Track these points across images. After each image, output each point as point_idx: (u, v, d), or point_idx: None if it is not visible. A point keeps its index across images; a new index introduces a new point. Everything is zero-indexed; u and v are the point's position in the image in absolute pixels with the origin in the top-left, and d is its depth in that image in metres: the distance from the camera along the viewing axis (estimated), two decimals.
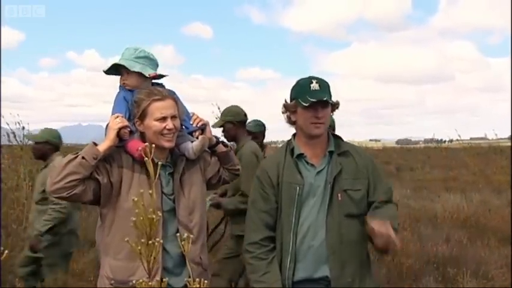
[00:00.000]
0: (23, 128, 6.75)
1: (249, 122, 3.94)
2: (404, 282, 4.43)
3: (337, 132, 2.19)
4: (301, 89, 1.95)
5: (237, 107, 3.69)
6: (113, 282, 1.87)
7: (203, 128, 2.04)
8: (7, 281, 4.20)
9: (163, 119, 1.88)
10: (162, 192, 1.92)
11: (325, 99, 1.89)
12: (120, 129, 1.83)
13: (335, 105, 1.98)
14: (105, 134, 1.88)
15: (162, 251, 1.85)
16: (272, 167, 2.01)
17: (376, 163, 2.07)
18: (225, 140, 2.93)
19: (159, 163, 1.23)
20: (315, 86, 1.91)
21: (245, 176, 2.86)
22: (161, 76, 2.05)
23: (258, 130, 4.17)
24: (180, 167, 1.98)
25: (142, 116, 1.89)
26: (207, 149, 2.08)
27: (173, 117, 1.90)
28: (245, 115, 3.65)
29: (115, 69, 2.03)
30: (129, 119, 1.92)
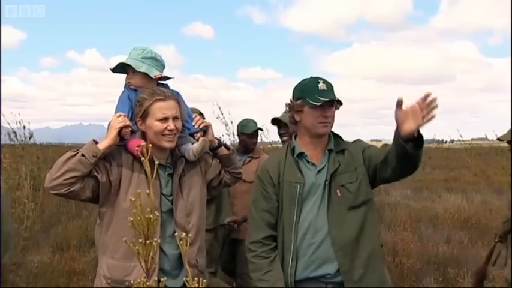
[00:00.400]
0: (24, 127, 6.77)
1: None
2: (405, 283, 4.42)
3: (338, 132, 2.20)
4: (308, 89, 1.95)
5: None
6: (109, 281, 1.87)
7: (205, 130, 2.03)
8: (8, 280, 4.20)
9: (165, 119, 1.88)
10: (161, 193, 1.92)
11: (336, 99, 1.92)
12: (121, 128, 1.83)
13: (338, 105, 1.99)
14: (107, 133, 1.88)
15: (159, 251, 1.85)
16: (273, 166, 2.02)
17: (366, 143, 2.07)
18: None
19: (157, 163, 1.23)
20: (322, 86, 1.94)
21: None
22: (167, 78, 2.05)
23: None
24: (180, 168, 1.98)
25: (144, 116, 1.89)
26: (209, 151, 2.08)
27: (175, 118, 1.90)
28: None
29: (121, 68, 2.03)
30: (131, 119, 1.92)
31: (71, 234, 5.71)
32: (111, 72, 2.06)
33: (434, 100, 1.64)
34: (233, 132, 7.46)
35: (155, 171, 1.03)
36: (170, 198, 1.94)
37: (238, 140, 3.65)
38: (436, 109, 1.64)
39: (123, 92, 2.02)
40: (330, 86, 1.95)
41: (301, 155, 2.00)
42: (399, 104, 1.69)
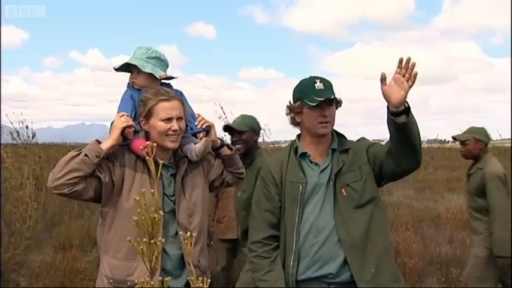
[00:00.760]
0: (27, 126, 6.79)
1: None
2: (407, 283, 4.41)
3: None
4: (306, 89, 1.94)
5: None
6: (111, 281, 1.87)
7: (208, 130, 2.03)
8: (11, 280, 4.21)
9: (169, 119, 1.88)
10: (164, 193, 1.92)
11: (332, 97, 1.90)
12: (124, 128, 1.83)
13: (338, 103, 1.98)
14: (110, 132, 1.88)
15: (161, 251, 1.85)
16: (275, 166, 2.02)
17: (370, 141, 2.07)
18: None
19: (161, 162, 1.23)
20: (319, 85, 1.92)
21: None
22: (171, 78, 2.05)
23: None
24: (182, 168, 1.97)
25: (148, 115, 1.89)
26: (211, 151, 2.07)
27: (179, 118, 1.90)
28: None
29: (125, 67, 2.03)
30: (134, 118, 1.92)
31: (74, 233, 5.73)
32: (114, 72, 2.06)
33: (408, 60, 1.68)
34: None
35: (159, 171, 1.03)
36: (172, 199, 1.93)
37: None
38: (415, 67, 1.69)
39: (126, 91, 2.02)
40: (327, 85, 1.93)
41: (304, 155, 2.00)
42: (383, 79, 1.73)
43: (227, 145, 2.13)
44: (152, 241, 0.86)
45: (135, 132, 1.89)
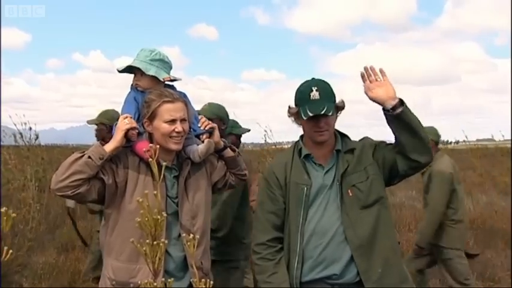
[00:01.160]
0: (30, 128, 6.80)
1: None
2: None
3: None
4: (302, 97, 1.93)
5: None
6: (114, 283, 1.87)
7: (211, 132, 2.03)
8: (14, 281, 4.22)
9: (173, 121, 1.88)
10: (167, 195, 1.91)
11: (322, 112, 1.85)
12: (128, 130, 1.83)
13: (340, 107, 1.96)
14: (113, 134, 1.88)
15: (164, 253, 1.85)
16: (279, 167, 2.02)
17: (374, 140, 2.07)
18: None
19: (164, 164, 1.23)
20: (314, 94, 1.89)
21: None
22: (174, 80, 2.05)
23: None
24: (186, 170, 1.97)
25: (152, 117, 1.89)
26: (214, 153, 2.07)
27: (182, 120, 1.90)
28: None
29: (128, 69, 2.03)
30: (137, 120, 1.92)
31: (76, 235, 5.73)
32: (116, 74, 2.06)
33: (366, 68, 1.91)
34: None
35: (162, 173, 1.03)
36: (176, 201, 1.93)
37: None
38: (374, 68, 1.91)
39: (129, 93, 2.02)
40: (324, 93, 1.90)
41: (308, 156, 1.99)
42: (362, 76, 1.92)
43: (230, 147, 2.13)
44: (155, 243, 0.86)
45: (139, 134, 1.89)
